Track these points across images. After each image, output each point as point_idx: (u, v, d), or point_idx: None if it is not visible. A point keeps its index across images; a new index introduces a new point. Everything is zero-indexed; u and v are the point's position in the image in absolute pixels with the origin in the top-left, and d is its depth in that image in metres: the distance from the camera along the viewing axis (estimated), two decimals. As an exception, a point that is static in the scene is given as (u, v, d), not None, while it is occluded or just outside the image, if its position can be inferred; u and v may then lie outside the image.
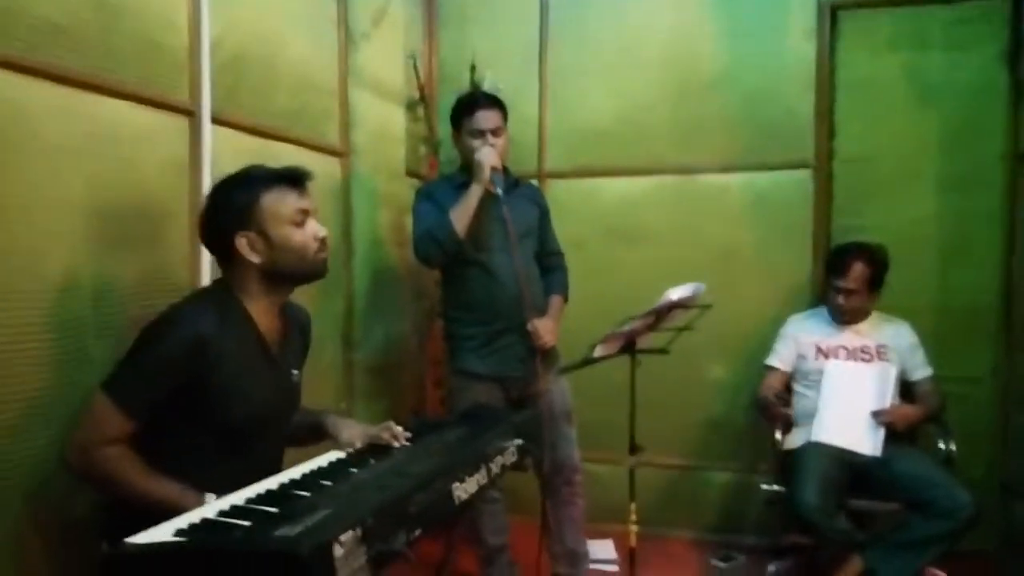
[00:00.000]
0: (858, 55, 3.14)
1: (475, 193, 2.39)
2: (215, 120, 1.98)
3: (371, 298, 2.77)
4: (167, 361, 1.45)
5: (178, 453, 1.50)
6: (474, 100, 2.50)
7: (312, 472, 1.51)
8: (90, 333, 1.63)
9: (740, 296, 3.26)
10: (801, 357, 2.90)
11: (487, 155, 2.39)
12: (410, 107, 3.25)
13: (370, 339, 2.79)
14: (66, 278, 1.61)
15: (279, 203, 1.53)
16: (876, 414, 2.68)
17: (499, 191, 2.38)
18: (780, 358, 2.96)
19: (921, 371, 2.82)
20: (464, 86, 3.30)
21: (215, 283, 1.63)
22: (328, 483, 1.43)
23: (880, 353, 2.80)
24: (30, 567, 1.56)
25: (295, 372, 1.69)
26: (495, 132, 2.45)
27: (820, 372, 2.80)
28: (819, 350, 2.87)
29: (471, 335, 2.53)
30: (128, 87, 1.79)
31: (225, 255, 1.57)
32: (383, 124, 2.89)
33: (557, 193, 3.28)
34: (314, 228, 1.57)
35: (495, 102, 2.50)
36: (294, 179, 1.56)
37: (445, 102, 3.07)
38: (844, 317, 2.84)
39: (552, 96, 3.50)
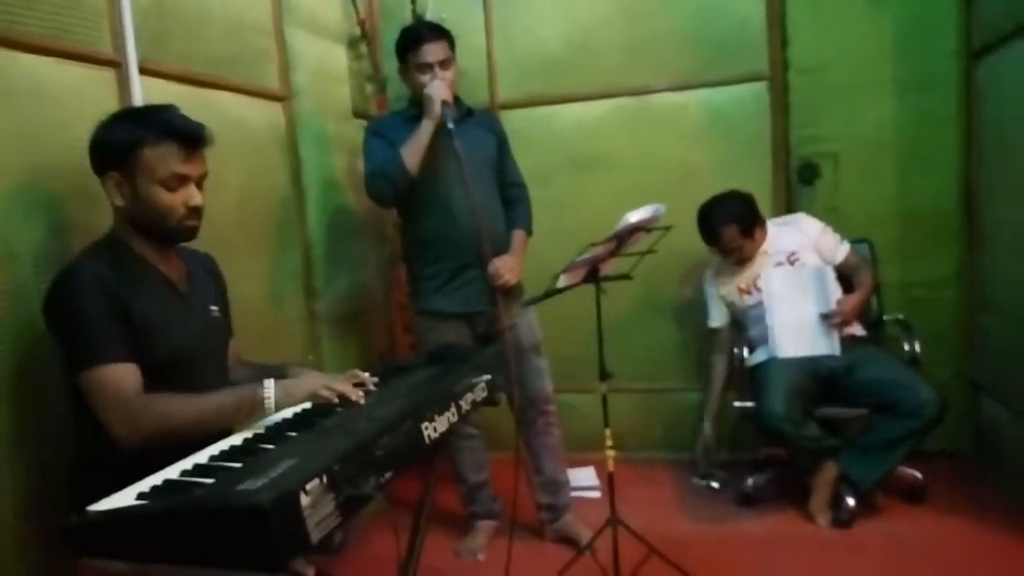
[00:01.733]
0: (808, -41, 3.02)
1: (426, 128, 2.33)
2: (143, 70, 1.89)
3: (330, 246, 2.71)
4: (93, 302, 1.40)
5: None
6: (418, 33, 2.42)
7: (277, 424, 1.47)
8: (36, 303, 1.55)
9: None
10: (732, 304, 2.96)
11: (436, 88, 2.32)
12: (352, 44, 3.14)
13: (332, 288, 2.74)
14: (2, 248, 1.55)
15: (158, 161, 1.46)
16: (825, 317, 2.71)
17: (450, 125, 2.32)
18: (716, 318, 3.03)
19: (840, 251, 2.83)
20: (407, 19, 3.19)
21: (103, 236, 1.56)
22: (293, 434, 1.40)
23: (793, 260, 2.83)
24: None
25: (213, 308, 1.66)
26: (443, 64, 2.38)
27: (756, 303, 2.85)
28: (741, 290, 2.93)
29: (432, 274, 2.49)
30: (45, 40, 1.69)
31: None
32: (324, 63, 2.79)
33: (512, 124, 3.13)
34: (188, 195, 1.50)
35: (441, 33, 2.42)
36: (187, 140, 1.48)
37: (389, 37, 2.95)
38: (745, 262, 2.89)
39: (499, 23, 3.40)
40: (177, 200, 1.47)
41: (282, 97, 2.55)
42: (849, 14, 3.06)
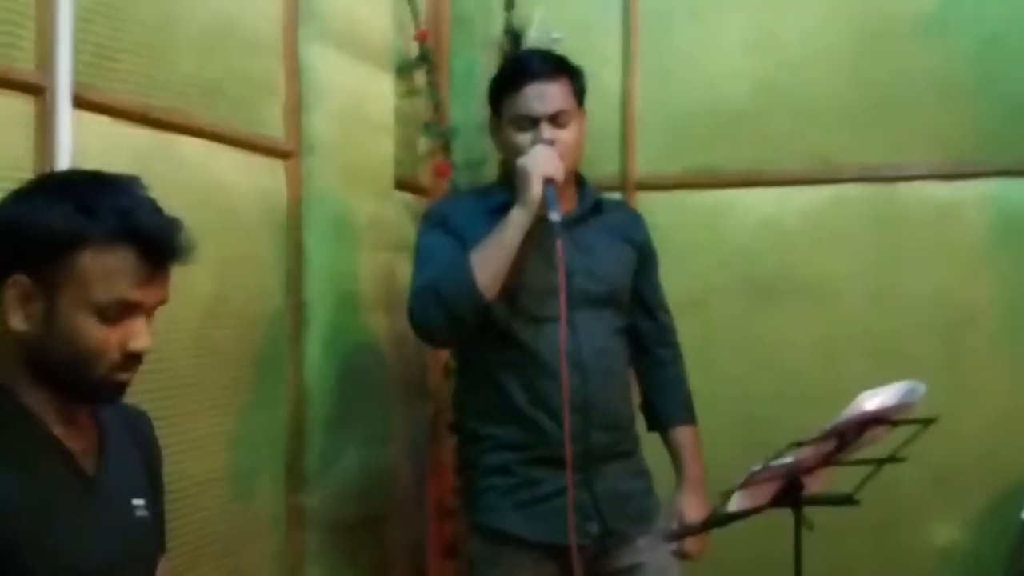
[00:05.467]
0: None
1: (516, 222, 2.00)
2: (78, 101, 1.71)
3: (335, 400, 2.35)
4: None
5: None
6: (522, 66, 2.12)
7: None
8: None
9: (982, 400, 2.56)
10: None
11: (540, 158, 1.99)
12: (403, 71, 2.65)
13: (333, 473, 2.37)
14: None
15: (101, 274, 1.23)
16: None
17: (554, 217, 1.97)
18: None
19: None
20: (493, 36, 2.77)
21: None
22: None
23: None
24: None
25: (137, 503, 1.39)
26: (557, 119, 2.05)
27: None
28: None
29: (501, 466, 2.11)
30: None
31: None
32: (358, 101, 2.44)
33: (654, 216, 2.49)
34: (130, 333, 1.26)
35: (561, 68, 2.09)
36: (152, 251, 1.22)
37: (461, 61, 2.79)
38: None
39: (646, 50, 2.80)
40: (113, 339, 1.26)
41: (287, 152, 2.28)
42: None
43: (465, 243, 2.05)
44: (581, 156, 2.15)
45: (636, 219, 2.26)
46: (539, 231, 1.98)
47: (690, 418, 2.19)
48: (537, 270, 2.03)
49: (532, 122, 2.03)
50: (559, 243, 1.92)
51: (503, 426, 2.08)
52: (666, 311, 2.23)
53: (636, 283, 2.18)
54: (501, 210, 2.03)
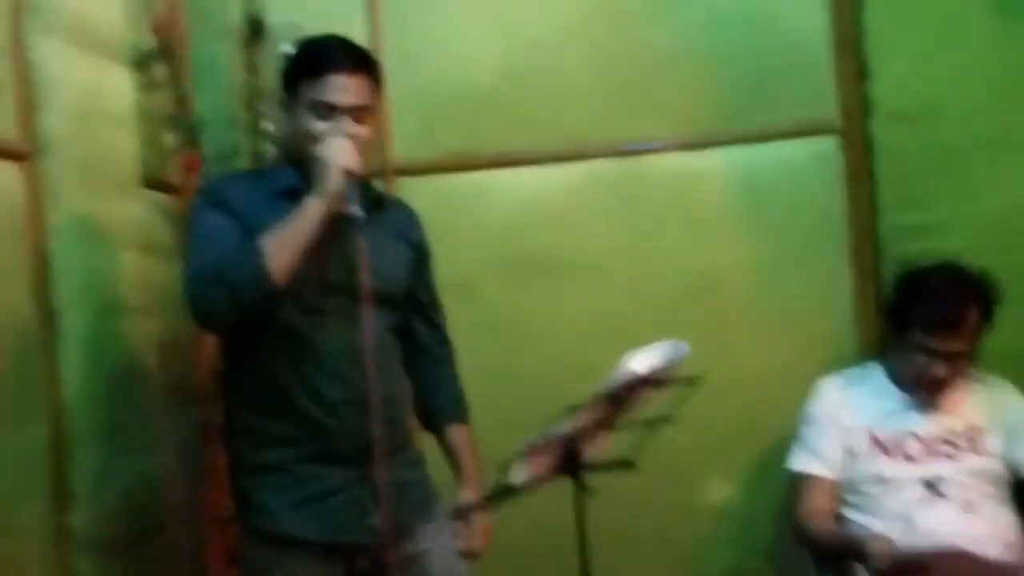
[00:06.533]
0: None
1: (313, 212, 1.96)
2: None
3: (97, 411, 2.25)
4: None
5: None
6: (329, 53, 2.08)
7: None
8: None
9: (739, 360, 2.64)
10: (849, 453, 2.35)
11: (339, 149, 1.97)
12: (141, 65, 2.53)
13: (100, 489, 2.27)
14: None
15: None
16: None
17: (356, 211, 1.97)
18: (819, 457, 2.40)
19: None
20: (231, 23, 2.65)
21: None
22: None
23: (972, 440, 2.35)
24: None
25: None
26: (357, 113, 2.04)
27: (879, 480, 2.31)
28: (876, 442, 2.34)
29: (278, 466, 2.05)
30: None
31: None
32: (95, 97, 2.35)
33: (414, 201, 2.46)
34: None
35: (366, 63, 2.09)
36: None
37: (203, 51, 2.64)
38: (936, 392, 2.34)
39: (393, 33, 2.75)
40: None
41: (21, 154, 2.17)
42: (970, 29, 2.53)
43: (246, 225, 2.01)
44: (371, 151, 2.15)
45: (412, 217, 2.28)
46: (331, 224, 1.97)
47: (464, 416, 2.23)
48: (321, 262, 2.00)
49: (330, 110, 2.01)
50: (361, 239, 1.93)
51: (277, 421, 2.04)
52: (439, 309, 2.26)
53: (411, 281, 2.19)
54: (285, 194, 2.01)
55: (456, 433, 2.21)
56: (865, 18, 2.51)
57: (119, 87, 2.36)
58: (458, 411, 2.24)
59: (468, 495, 2.17)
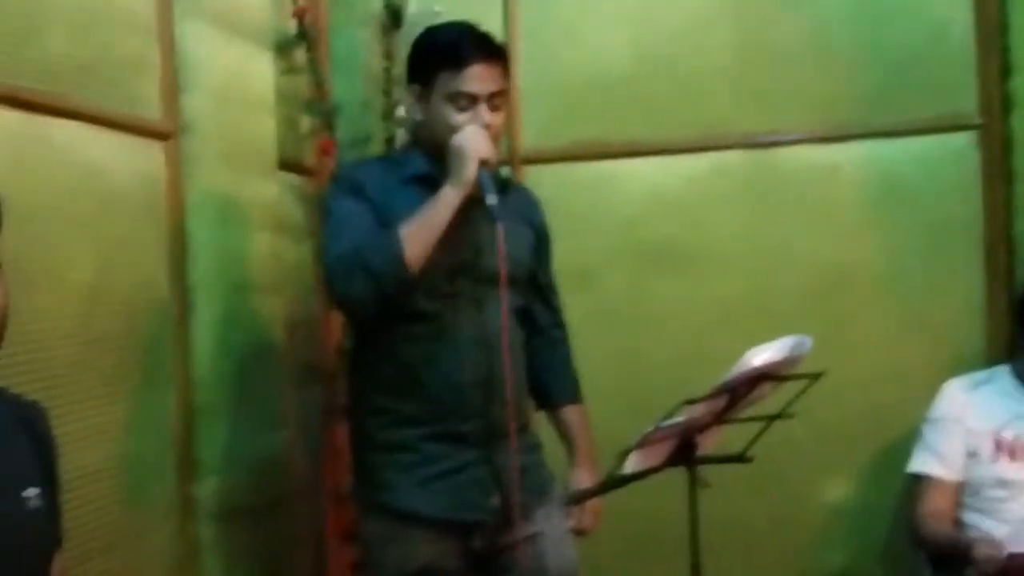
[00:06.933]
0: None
1: (449, 201, 1.97)
2: None
3: (225, 386, 2.30)
4: None
5: None
6: (464, 43, 2.07)
7: None
8: None
9: (864, 356, 2.60)
10: (971, 456, 2.31)
11: (474, 138, 1.98)
12: (282, 49, 2.57)
13: (225, 458, 2.33)
14: None
15: None
16: None
17: (490, 199, 1.96)
18: (940, 459, 2.36)
19: None
20: (370, 10, 2.70)
21: None
22: None
23: None
24: None
25: (29, 493, 1.34)
26: (493, 100, 2.04)
27: (1001, 484, 2.27)
28: (1000, 445, 2.30)
29: (401, 443, 2.06)
30: None
31: None
32: (237, 80, 2.39)
33: (540, 189, 2.46)
34: None
35: (496, 51, 2.09)
36: None
37: (342, 39, 2.70)
38: None
39: (526, 23, 2.77)
40: None
41: (165, 134, 2.22)
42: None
43: (380, 212, 2.05)
44: (501, 138, 2.17)
45: (534, 201, 2.29)
46: (467, 210, 2.00)
47: (579, 397, 2.24)
48: (452, 248, 2.03)
49: (471, 100, 2.03)
50: (500, 227, 1.94)
51: (405, 400, 2.06)
52: (556, 293, 2.28)
53: (534, 265, 2.21)
54: (417, 180, 2.04)
55: (571, 413, 2.21)
56: (1010, 13, 2.44)
57: (261, 71, 2.42)
58: (573, 392, 2.24)
59: (581, 475, 2.17)
